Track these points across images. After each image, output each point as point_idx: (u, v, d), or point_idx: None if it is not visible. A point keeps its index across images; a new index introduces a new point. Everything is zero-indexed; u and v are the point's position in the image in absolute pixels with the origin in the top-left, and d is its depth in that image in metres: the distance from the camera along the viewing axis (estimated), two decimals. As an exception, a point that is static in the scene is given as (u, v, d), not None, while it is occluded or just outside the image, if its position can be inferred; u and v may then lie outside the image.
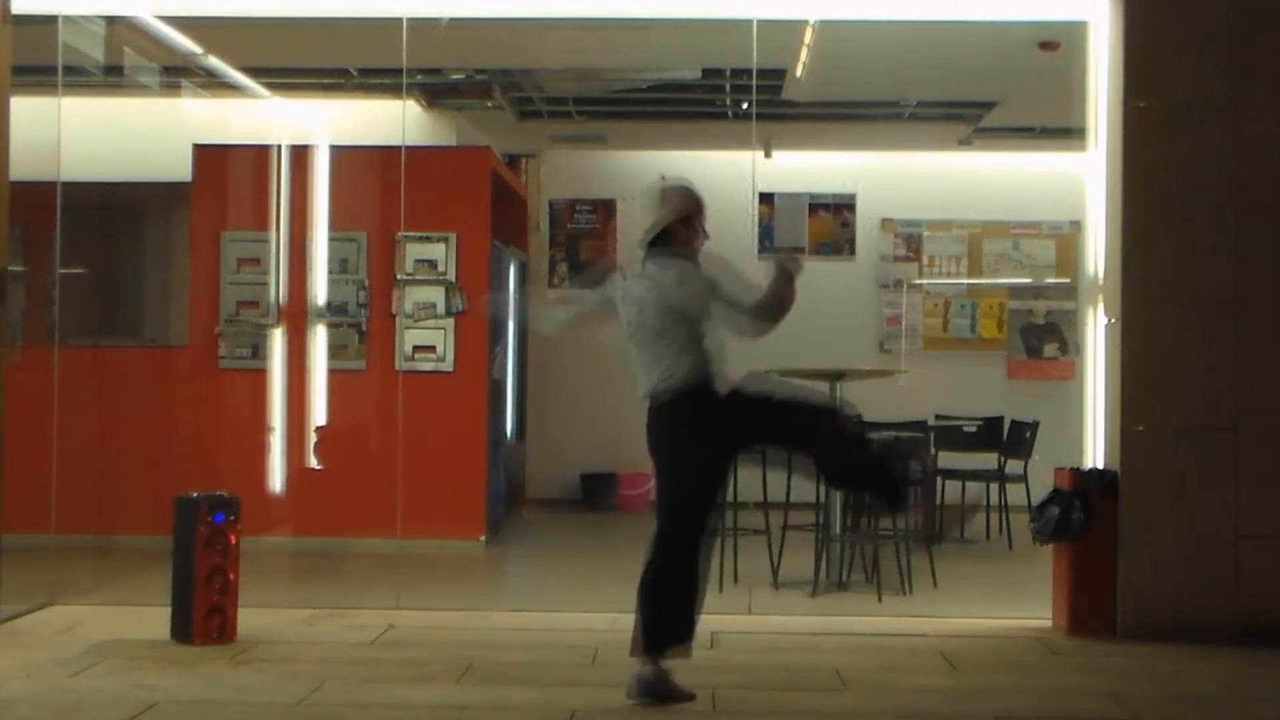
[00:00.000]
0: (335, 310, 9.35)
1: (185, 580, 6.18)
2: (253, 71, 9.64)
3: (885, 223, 12.10)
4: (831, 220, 12.13)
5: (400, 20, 7.71)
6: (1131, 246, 6.72)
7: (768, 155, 11.32)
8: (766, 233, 12.01)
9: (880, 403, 9.71)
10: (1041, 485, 7.36)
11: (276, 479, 9.21)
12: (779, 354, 8.95)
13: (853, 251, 12.11)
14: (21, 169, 6.89)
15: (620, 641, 6.35)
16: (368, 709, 5.22)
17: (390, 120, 8.95)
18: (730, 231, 10.89)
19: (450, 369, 9.31)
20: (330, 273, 9.37)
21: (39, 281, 9.04)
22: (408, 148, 8.59)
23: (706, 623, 6.73)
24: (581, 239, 12.04)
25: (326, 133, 9.71)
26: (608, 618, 6.75)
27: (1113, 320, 6.80)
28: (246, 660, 5.91)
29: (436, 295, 9.30)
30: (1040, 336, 12.03)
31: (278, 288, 9.35)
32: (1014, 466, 9.83)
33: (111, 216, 10.55)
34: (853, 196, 12.11)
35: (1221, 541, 6.61)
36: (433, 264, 9.32)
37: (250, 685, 5.51)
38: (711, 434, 5.30)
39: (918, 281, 12.06)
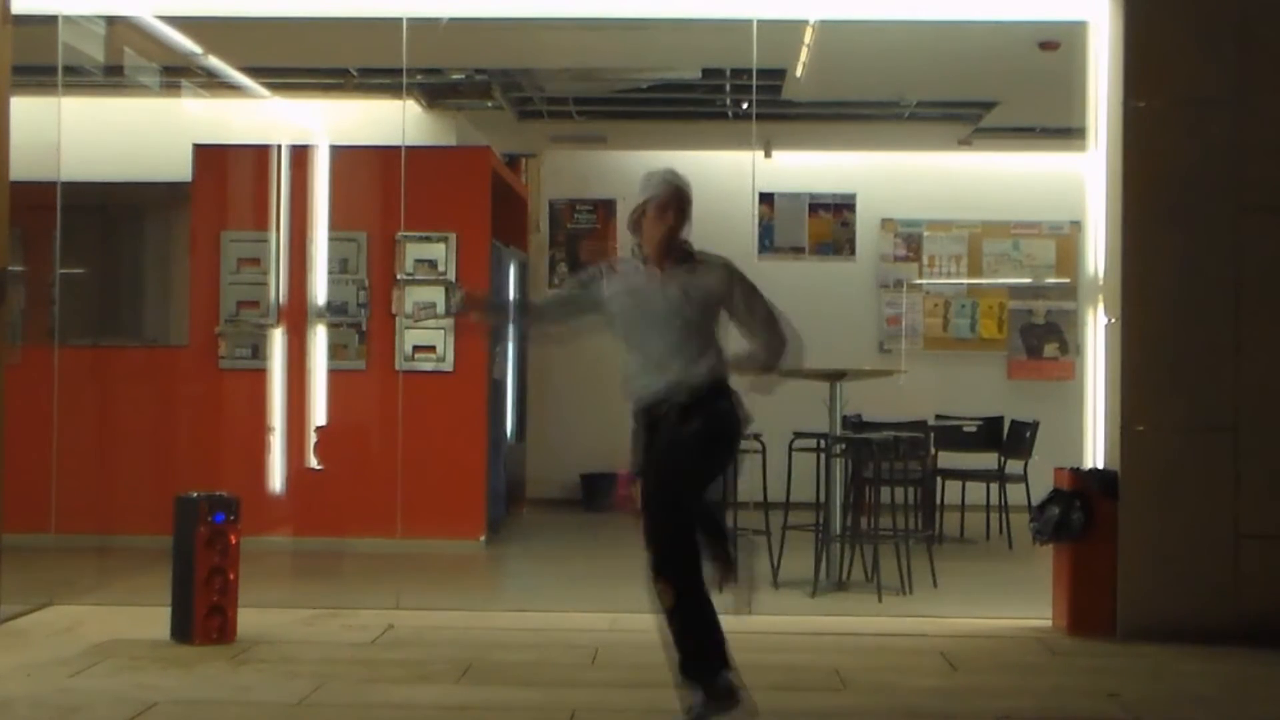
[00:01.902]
0: (335, 310, 9.35)
1: (185, 580, 6.18)
2: (253, 71, 9.64)
3: (885, 223, 12.11)
4: (831, 220, 12.14)
5: (400, 20, 7.71)
6: (1131, 246, 6.72)
7: (768, 155, 11.32)
8: (766, 232, 12.01)
9: (880, 403, 9.74)
10: (1041, 485, 7.36)
11: (276, 479, 9.20)
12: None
13: (853, 251, 12.11)
14: (21, 169, 6.90)
15: (620, 641, 6.38)
16: (368, 709, 5.22)
17: (390, 120, 8.95)
18: (730, 231, 10.97)
19: (450, 369, 9.31)
20: (330, 273, 9.36)
21: (39, 281, 9.05)
22: (408, 148, 8.59)
23: (706, 623, 6.77)
24: (581, 239, 12.04)
25: (326, 133, 9.71)
26: (608, 618, 6.76)
27: (1113, 320, 6.80)
28: (246, 660, 5.91)
29: (436, 295, 9.30)
30: (1040, 336, 12.03)
31: (278, 288, 9.35)
32: (1014, 466, 9.83)
33: (111, 216, 10.55)
34: (853, 196, 12.12)
35: (1221, 541, 6.61)
36: (433, 264, 9.32)
37: (250, 685, 5.51)
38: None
39: (918, 281, 12.06)
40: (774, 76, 9.37)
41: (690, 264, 5.07)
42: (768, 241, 11.98)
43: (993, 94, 10.10)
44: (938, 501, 9.82)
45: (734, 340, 5.25)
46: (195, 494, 6.28)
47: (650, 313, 5.00)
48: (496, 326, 5.50)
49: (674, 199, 5.03)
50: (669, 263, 5.04)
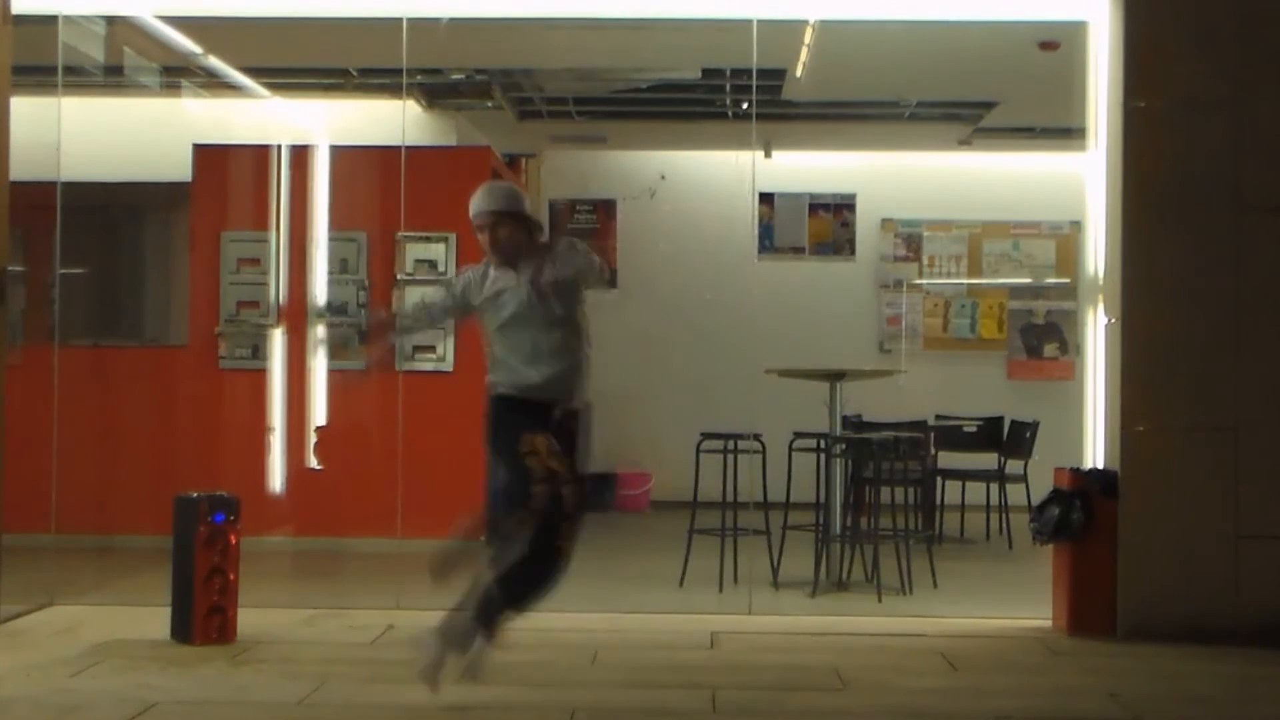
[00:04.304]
0: (335, 310, 9.35)
1: (185, 580, 6.18)
2: (253, 71, 9.64)
3: (885, 223, 12.11)
4: (831, 220, 12.14)
5: (400, 20, 7.71)
6: (1131, 246, 6.72)
7: (768, 155, 11.33)
8: (766, 233, 12.02)
9: (880, 403, 9.75)
10: (1041, 485, 7.36)
11: (276, 479, 9.20)
12: (779, 354, 9.01)
13: (853, 251, 12.12)
14: (21, 169, 6.89)
15: (620, 641, 6.38)
16: (368, 709, 5.22)
17: (390, 120, 8.95)
18: (730, 231, 11.05)
19: (450, 369, 9.31)
20: (330, 273, 9.37)
21: (39, 281, 9.04)
22: (408, 148, 8.59)
23: (706, 622, 6.79)
24: (581, 239, 12.03)
25: (326, 133, 9.71)
26: (608, 618, 6.77)
27: (1113, 320, 6.81)
28: (246, 660, 5.91)
29: (436, 295, 9.28)
30: (1040, 336, 12.03)
31: (278, 288, 9.35)
32: (1014, 466, 9.83)
33: (111, 216, 10.55)
34: (853, 196, 12.12)
35: (1221, 541, 6.61)
36: (433, 264, 9.32)
37: (250, 685, 5.51)
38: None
39: (918, 281, 12.06)
40: (774, 76, 9.37)
41: (538, 256, 5.50)
42: (768, 242, 11.99)
43: (993, 94, 10.11)
44: (938, 501, 9.82)
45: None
46: (195, 494, 6.28)
47: (516, 313, 5.48)
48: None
49: (481, 219, 5.45)
50: (522, 264, 5.46)
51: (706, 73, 9.65)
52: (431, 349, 9.30)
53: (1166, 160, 6.71)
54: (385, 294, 9.33)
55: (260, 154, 9.52)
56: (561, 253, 5.54)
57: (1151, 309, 6.69)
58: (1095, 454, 6.96)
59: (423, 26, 7.79)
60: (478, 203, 5.48)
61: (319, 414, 9.29)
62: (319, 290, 9.35)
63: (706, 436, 7.78)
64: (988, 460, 9.97)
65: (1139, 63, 6.73)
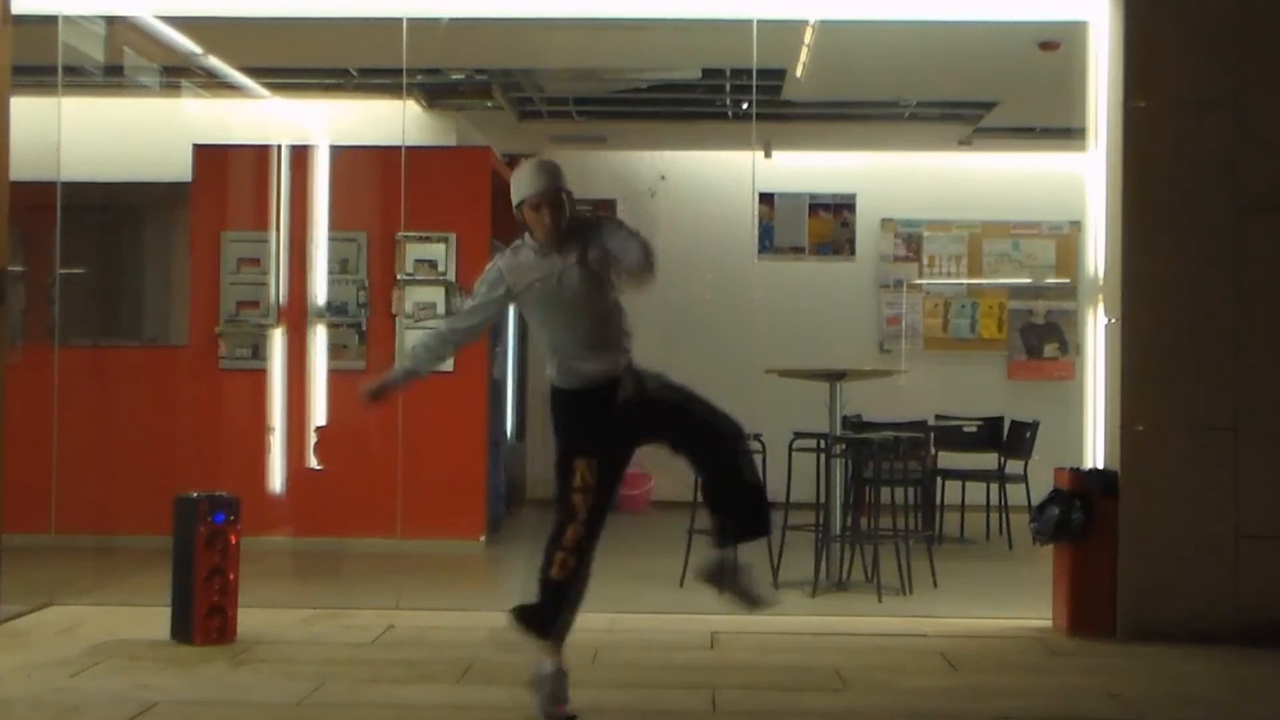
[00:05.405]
0: (335, 310, 9.35)
1: (185, 580, 6.17)
2: (253, 71, 9.64)
3: (885, 223, 12.11)
4: (831, 220, 12.14)
5: (400, 20, 7.72)
6: (1131, 246, 6.72)
7: (768, 155, 11.32)
8: (766, 232, 12.02)
9: (880, 403, 9.75)
10: (1041, 485, 7.36)
11: (276, 479, 9.20)
12: (779, 354, 9.00)
13: (853, 251, 12.12)
14: (21, 169, 6.90)
15: (620, 641, 6.38)
16: (368, 709, 5.22)
17: (390, 120, 8.95)
18: (730, 231, 11.05)
19: (450, 369, 9.29)
20: (330, 273, 9.37)
21: (39, 281, 9.05)
22: (408, 148, 8.59)
23: (706, 623, 6.78)
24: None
25: (326, 133, 9.71)
26: (608, 618, 6.76)
27: (1113, 320, 6.81)
28: (247, 660, 5.91)
29: (436, 295, 9.30)
30: (1040, 336, 12.03)
31: (278, 288, 9.35)
32: (1014, 466, 9.83)
33: (111, 216, 10.55)
34: (853, 196, 12.12)
35: (1221, 541, 6.61)
36: (433, 264, 9.32)
37: (250, 685, 5.51)
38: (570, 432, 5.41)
39: (918, 281, 12.06)
40: (774, 76, 9.38)
41: (579, 234, 5.09)
42: (768, 242, 11.99)
43: (993, 94, 10.11)
44: (938, 501, 9.82)
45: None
46: (195, 494, 6.28)
47: (567, 297, 5.13)
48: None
49: (547, 195, 5.04)
50: (565, 245, 5.08)
51: (706, 73, 9.66)
52: (431, 349, 9.29)
53: (1166, 160, 6.71)
54: (385, 294, 9.33)
55: (260, 154, 9.51)
56: (606, 230, 5.14)
57: (1151, 309, 6.69)
58: (1095, 454, 6.96)
59: (423, 26, 7.79)
60: (540, 180, 5.06)
61: (319, 414, 9.29)
62: (319, 290, 9.35)
63: (707, 436, 7.75)
64: (988, 460, 9.98)
65: (1139, 63, 6.73)
